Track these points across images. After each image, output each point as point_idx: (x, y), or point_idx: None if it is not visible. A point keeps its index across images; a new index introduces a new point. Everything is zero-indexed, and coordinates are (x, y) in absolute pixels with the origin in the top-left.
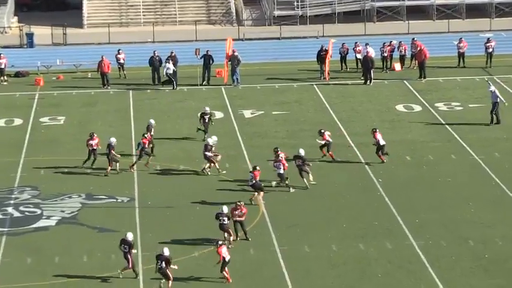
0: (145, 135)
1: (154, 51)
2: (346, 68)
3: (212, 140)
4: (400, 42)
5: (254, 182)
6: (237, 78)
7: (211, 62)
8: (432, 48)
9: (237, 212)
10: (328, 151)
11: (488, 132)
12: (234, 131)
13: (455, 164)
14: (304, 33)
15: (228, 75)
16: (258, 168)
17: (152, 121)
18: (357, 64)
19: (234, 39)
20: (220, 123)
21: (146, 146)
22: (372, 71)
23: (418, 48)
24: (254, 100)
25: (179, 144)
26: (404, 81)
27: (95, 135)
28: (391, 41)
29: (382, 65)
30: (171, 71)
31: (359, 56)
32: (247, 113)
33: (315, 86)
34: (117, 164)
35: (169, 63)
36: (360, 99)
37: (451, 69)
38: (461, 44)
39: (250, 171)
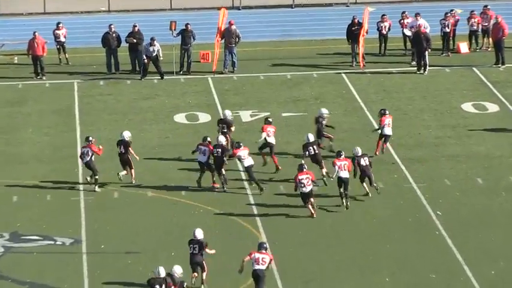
0: (91, 141)
1: (110, 25)
2: (385, 50)
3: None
4: (472, 12)
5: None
6: (233, 62)
7: (192, 40)
8: None
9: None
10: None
11: None
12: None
13: None
14: None
15: (217, 60)
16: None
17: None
18: (405, 43)
19: (227, 8)
20: (205, 129)
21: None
22: (427, 54)
23: (493, 21)
24: (255, 96)
25: (146, 162)
26: (474, 69)
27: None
28: (452, 10)
29: (442, 45)
30: (154, 54)
31: (407, 32)
32: (246, 115)
33: (343, 75)
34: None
35: (153, 44)
36: (410, 94)
37: None
38: None
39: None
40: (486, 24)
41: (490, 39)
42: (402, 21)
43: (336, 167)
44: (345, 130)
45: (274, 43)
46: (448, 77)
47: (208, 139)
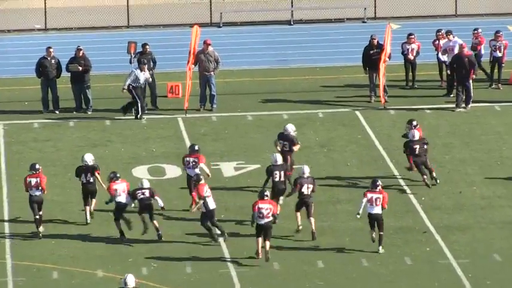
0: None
1: (49, 47)
2: (413, 80)
3: None
4: None
5: None
6: (212, 97)
7: (152, 65)
8: None
9: None
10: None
11: None
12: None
13: None
14: (338, 12)
15: (190, 94)
16: None
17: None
18: (440, 72)
19: (202, 25)
20: (174, 187)
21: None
22: (471, 83)
23: None
24: (241, 142)
25: (96, 231)
26: None
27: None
28: (475, 29)
29: (491, 74)
30: (142, 81)
31: (443, 56)
32: (228, 168)
33: (358, 114)
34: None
35: (143, 64)
36: (447, 140)
37: None
38: None
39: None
40: None
41: None
42: (437, 42)
43: (364, 200)
44: (362, 187)
45: (266, 71)
46: (499, 117)
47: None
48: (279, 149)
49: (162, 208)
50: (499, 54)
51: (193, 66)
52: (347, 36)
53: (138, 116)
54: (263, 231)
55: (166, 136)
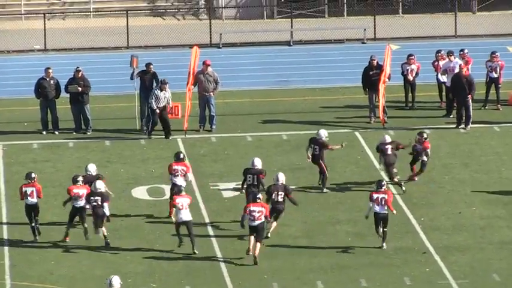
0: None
1: (47, 68)
2: (413, 101)
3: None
4: None
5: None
6: (211, 117)
7: (154, 85)
8: None
9: None
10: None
11: None
12: (201, 231)
13: None
14: (337, 33)
15: (189, 114)
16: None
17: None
18: (440, 93)
19: (201, 46)
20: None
21: None
22: (470, 104)
23: None
24: (241, 163)
25: (94, 254)
26: None
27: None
28: (461, 50)
29: (486, 94)
30: (162, 101)
31: (443, 77)
32: (227, 189)
33: (358, 135)
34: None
35: (164, 89)
36: (447, 160)
37: None
38: None
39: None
40: None
41: None
42: (437, 63)
43: (370, 203)
44: (361, 209)
45: (265, 92)
46: (498, 137)
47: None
48: (309, 154)
49: (107, 218)
50: (495, 75)
51: (192, 87)
52: (346, 57)
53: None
54: (255, 232)
55: (165, 157)
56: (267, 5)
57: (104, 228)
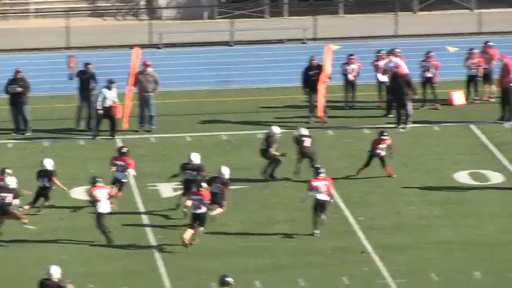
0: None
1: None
2: (353, 100)
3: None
4: (470, 50)
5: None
6: (151, 118)
7: (92, 85)
8: None
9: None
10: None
11: None
12: (140, 232)
13: None
14: (277, 33)
15: (129, 114)
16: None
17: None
18: (380, 93)
19: (141, 47)
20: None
21: None
22: (408, 103)
23: (495, 62)
24: (180, 163)
25: (31, 252)
26: (472, 127)
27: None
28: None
29: (423, 95)
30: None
31: (382, 77)
32: (167, 190)
33: (295, 133)
34: None
35: (111, 82)
36: (386, 160)
37: None
38: None
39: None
40: (487, 66)
41: (493, 86)
42: (377, 63)
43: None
44: (299, 208)
45: (205, 93)
46: (437, 137)
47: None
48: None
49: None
50: (430, 75)
51: (132, 87)
52: (287, 57)
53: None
54: (198, 220)
55: (105, 157)
56: (207, 5)
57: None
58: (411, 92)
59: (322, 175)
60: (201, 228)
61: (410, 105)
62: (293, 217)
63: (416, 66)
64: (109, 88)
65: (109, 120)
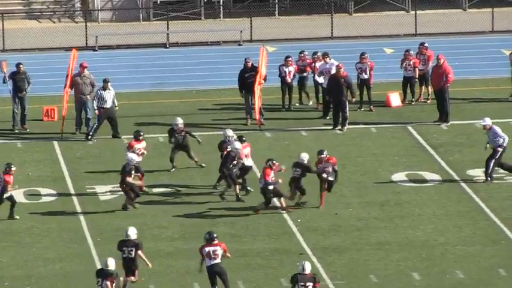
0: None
1: None
2: (290, 102)
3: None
4: (406, 52)
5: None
6: (87, 120)
7: (26, 85)
8: (462, 64)
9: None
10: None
11: None
12: (78, 234)
13: None
14: (213, 35)
15: (66, 117)
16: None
17: None
18: (317, 94)
19: (78, 49)
20: (50, 210)
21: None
22: (347, 105)
23: (432, 63)
24: (117, 166)
25: None
26: (409, 128)
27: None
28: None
29: (360, 96)
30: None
31: (320, 78)
32: (104, 191)
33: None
34: None
35: (108, 87)
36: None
37: (500, 103)
38: None
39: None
40: (423, 67)
41: (430, 87)
42: (313, 64)
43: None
44: (238, 209)
45: (142, 95)
46: (375, 138)
47: None
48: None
49: None
50: (365, 76)
51: (69, 89)
52: (223, 59)
53: (89, 137)
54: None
55: (42, 160)
56: (143, 7)
57: None
58: (350, 94)
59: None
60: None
61: (347, 107)
62: (232, 219)
63: (352, 68)
64: (104, 88)
65: (109, 121)
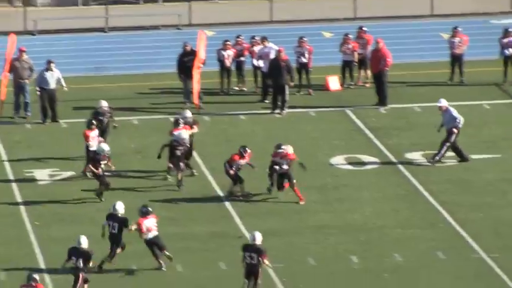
0: None
1: None
2: (228, 86)
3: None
4: (345, 35)
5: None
6: (26, 104)
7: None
8: (402, 47)
9: None
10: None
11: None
12: (16, 218)
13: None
14: (152, 19)
15: (4, 101)
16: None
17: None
18: (256, 78)
19: (16, 33)
20: None
21: None
22: (287, 88)
23: (371, 48)
24: (55, 150)
25: None
26: (348, 112)
27: None
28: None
29: (299, 80)
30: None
31: (259, 62)
32: (43, 176)
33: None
34: None
35: (51, 69)
36: (263, 145)
37: (438, 87)
38: (457, 39)
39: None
40: (362, 51)
41: (369, 71)
42: (252, 48)
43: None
44: (177, 193)
45: (80, 79)
46: (314, 122)
47: None
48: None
49: None
50: (304, 60)
51: (8, 74)
52: (162, 43)
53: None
54: None
55: None
56: None
57: None
58: (290, 78)
59: (246, 152)
60: None
61: (287, 91)
62: (171, 203)
63: (291, 52)
64: (47, 69)
65: (50, 103)
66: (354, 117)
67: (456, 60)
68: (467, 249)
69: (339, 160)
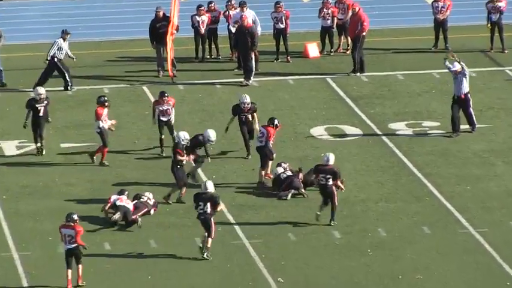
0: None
1: None
2: (203, 54)
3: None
4: (324, 1)
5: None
6: None
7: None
8: (383, 13)
9: None
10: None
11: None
12: None
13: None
14: None
15: None
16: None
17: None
18: (231, 44)
19: None
20: None
21: None
22: (252, 56)
23: (350, 12)
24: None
25: None
26: (328, 79)
27: None
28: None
29: (276, 47)
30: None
31: (233, 28)
32: (10, 147)
33: (146, 89)
34: None
35: (66, 33)
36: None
37: (420, 54)
38: (441, 3)
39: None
40: (342, 17)
41: (349, 37)
42: (227, 13)
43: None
44: (149, 167)
45: (48, 46)
46: (292, 91)
47: None
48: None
49: None
50: (281, 26)
51: None
52: (133, 8)
53: (69, 87)
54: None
55: None
56: None
57: None
58: (252, 45)
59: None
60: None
61: (252, 59)
62: (143, 176)
63: (268, 17)
64: (64, 39)
65: (60, 71)
66: (334, 85)
67: (440, 25)
68: (454, 223)
69: (319, 130)
